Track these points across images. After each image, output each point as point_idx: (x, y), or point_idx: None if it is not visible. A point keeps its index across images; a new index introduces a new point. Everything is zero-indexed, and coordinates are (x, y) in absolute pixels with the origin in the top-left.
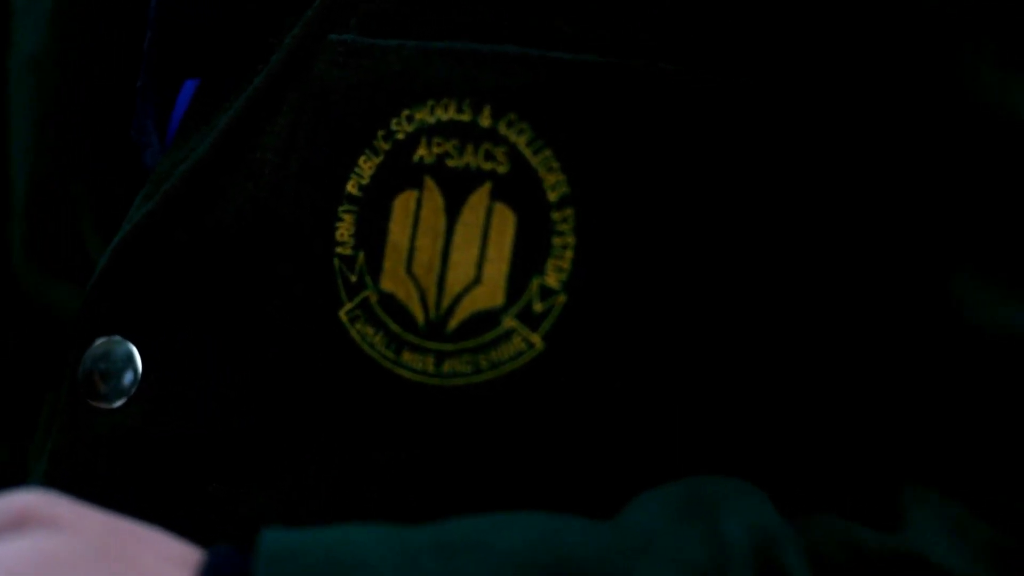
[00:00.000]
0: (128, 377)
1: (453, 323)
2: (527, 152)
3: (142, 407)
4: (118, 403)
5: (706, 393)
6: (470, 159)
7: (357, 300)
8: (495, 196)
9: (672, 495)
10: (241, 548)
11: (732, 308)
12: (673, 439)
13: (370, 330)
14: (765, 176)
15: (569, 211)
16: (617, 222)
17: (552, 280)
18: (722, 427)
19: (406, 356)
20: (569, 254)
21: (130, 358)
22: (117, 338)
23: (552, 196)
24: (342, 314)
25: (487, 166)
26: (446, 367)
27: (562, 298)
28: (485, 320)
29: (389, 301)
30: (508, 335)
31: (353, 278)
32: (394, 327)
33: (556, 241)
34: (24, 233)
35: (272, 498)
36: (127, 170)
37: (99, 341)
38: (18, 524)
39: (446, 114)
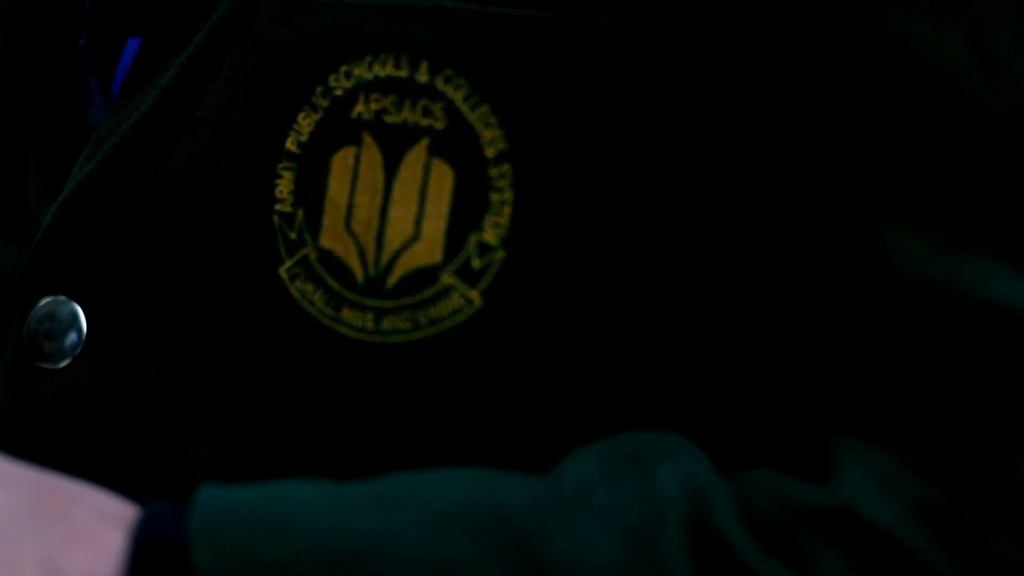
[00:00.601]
0: (72, 337)
1: (392, 280)
2: (464, 108)
3: (86, 366)
4: (63, 363)
5: (640, 348)
6: (408, 115)
7: (297, 257)
8: (433, 152)
9: (607, 451)
10: (177, 504)
11: (666, 261)
12: (608, 395)
13: (310, 287)
14: (698, 130)
15: (507, 167)
16: (554, 178)
17: (490, 236)
18: (656, 382)
19: (346, 313)
20: (507, 210)
21: (75, 318)
22: (62, 298)
23: (489, 152)
24: (282, 272)
25: (424, 122)
26: (385, 324)
27: (500, 254)
28: (423, 277)
29: (328, 258)
30: (446, 291)
31: (292, 235)
32: (334, 284)
33: (494, 197)
34: None
35: (211, 455)
36: (72, 129)
37: (44, 301)
38: None
39: (384, 70)
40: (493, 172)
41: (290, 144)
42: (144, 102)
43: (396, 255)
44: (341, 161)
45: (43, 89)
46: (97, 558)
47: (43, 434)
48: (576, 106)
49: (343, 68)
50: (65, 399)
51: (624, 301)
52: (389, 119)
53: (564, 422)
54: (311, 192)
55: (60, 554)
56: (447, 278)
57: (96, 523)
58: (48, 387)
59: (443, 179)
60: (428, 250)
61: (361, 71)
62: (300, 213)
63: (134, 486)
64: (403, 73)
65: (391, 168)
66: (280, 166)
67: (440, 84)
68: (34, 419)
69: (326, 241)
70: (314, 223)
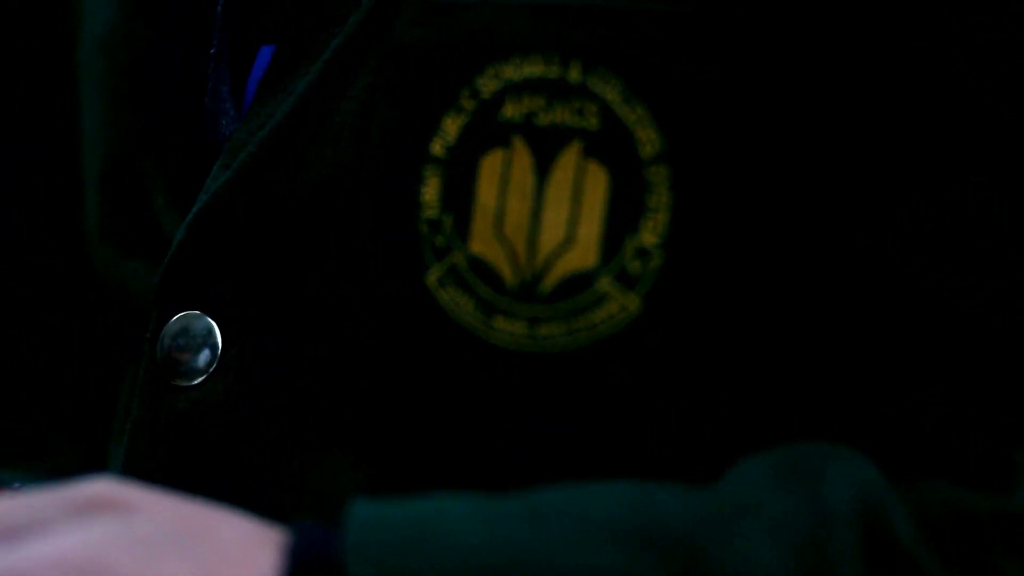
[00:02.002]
0: (207, 353)
1: (546, 286)
2: (619, 107)
3: (223, 383)
4: (198, 379)
5: (805, 355)
6: (559, 116)
7: (445, 265)
8: (586, 154)
9: (771, 461)
10: (325, 522)
11: (827, 263)
12: (771, 405)
13: (460, 295)
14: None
15: (663, 168)
16: (712, 178)
17: (647, 240)
18: (823, 391)
19: (498, 321)
20: (664, 213)
21: (210, 333)
22: (196, 313)
23: (646, 152)
24: (430, 280)
25: (577, 123)
26: (540, 331)
27: (658, 258)
28: (579, 282)
29: (479, 265)
30: (603, 298)
31: (440, 242)
32: (485, 291)
33: (650, 200)
34: (97, 212)
35: (355, 469)
36: (201, 142)
37: (177, 317)
38: (91, 510)
39: (533, 70)
40: (650, 173)
41: (436, 148)
42: (279, 110)
43: (550, 260)
44: (490, 165)
45: (172, 100)
46: (257, 571)
47: (179, 453)
48: (730, 103)
49: (490, 69)
50: (202, 416)
51: (786, 305)
52: (540, 120)
53: (722, 432)
54: (459, 197)
55: (218, 568)
56: (604, 283)
57: (245, 544)
58: (183, 404)
59: (597, 181)
60: (583, 254)
61: (509, 72)
62: (448, 219)
63: (276, 503)
64: (554, 73)
65: (543, 171)
66: (426, 171)
67: (593, 84)
68: (170, 438)
69: (476, 247)
70: (463, 229)
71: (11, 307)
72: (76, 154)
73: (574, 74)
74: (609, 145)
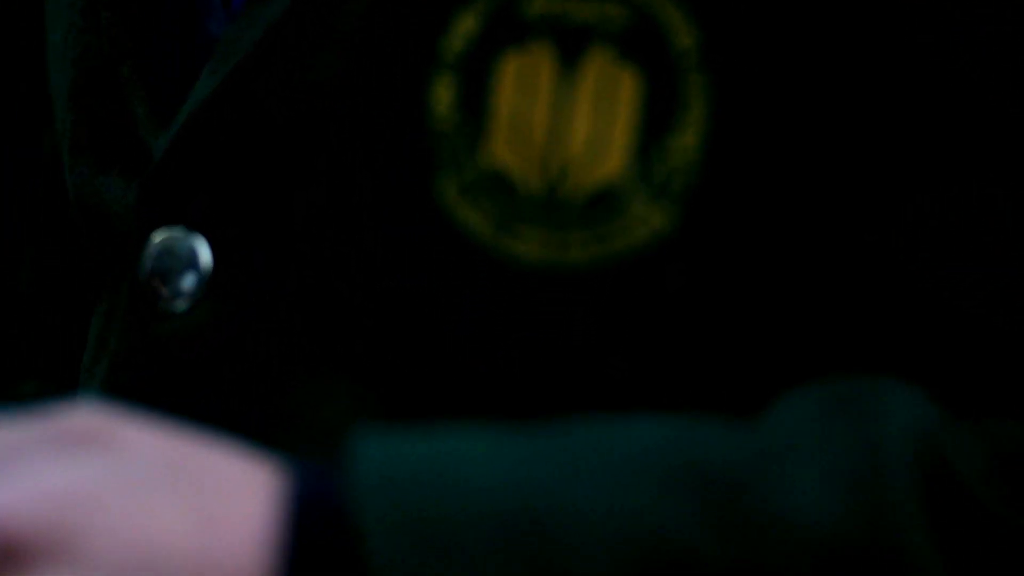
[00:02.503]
0: (192, 275)
1: (571, 198)
2: (652, 5)
3: (212, 307)
4: (183, 303)
5: (853, 279)
6: (586, 14)
7: (459, 177)
8: (615, 57)
9: (818, 395)
10: (326, 454)
11: (831, 252)
12: (816, 331)
13: (476, 209)
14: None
15: (699, 75)
16: (752, 87)
17: (681, 151)
18: (870, 320)
19: (519, 235)
20: (701, 122)
21: (194, 253)
22: (180, 232)
23: (681, 58)
24: (443, 193)
25: (605, 23)
26: (563, 247)
27: (693, 169)
28: (607, 195)
29: (496, 177)
30: (632, 212)
31: (454, 153)
32: (503, 205)
33: (684, 108)
34: (70, 127)
35: (362, 400)
36: (188, 45)
37: (160, 236)
38: (77, 443)
39: None
40: (685, 80)
41: (448, 50)
42: (274, 9)
43: (576, 172)
44: (508, 68)
45: (150, 2)
46: (256, 508)
47: (165, 384)
48: (770, 6)
49: None
50: (193, 343)
51: (831, 224)
52: (564, 20)
53: (763, 363)
54: (475, 103)
55: (213, 506)
56: (633, 196)
57: (243, 481)
58: (170, 331)
59: (627, 87)
60: (612, 166)
61: None
62: (462, 127)
63: (272, 435)
64: None
65: (568, 74)
66: (437, 76)
67: None
68: (157, 368)
69: (493, 158)
70: (478, 138)
71: None
72: (41, 65)
73: None
74: (641, 47)
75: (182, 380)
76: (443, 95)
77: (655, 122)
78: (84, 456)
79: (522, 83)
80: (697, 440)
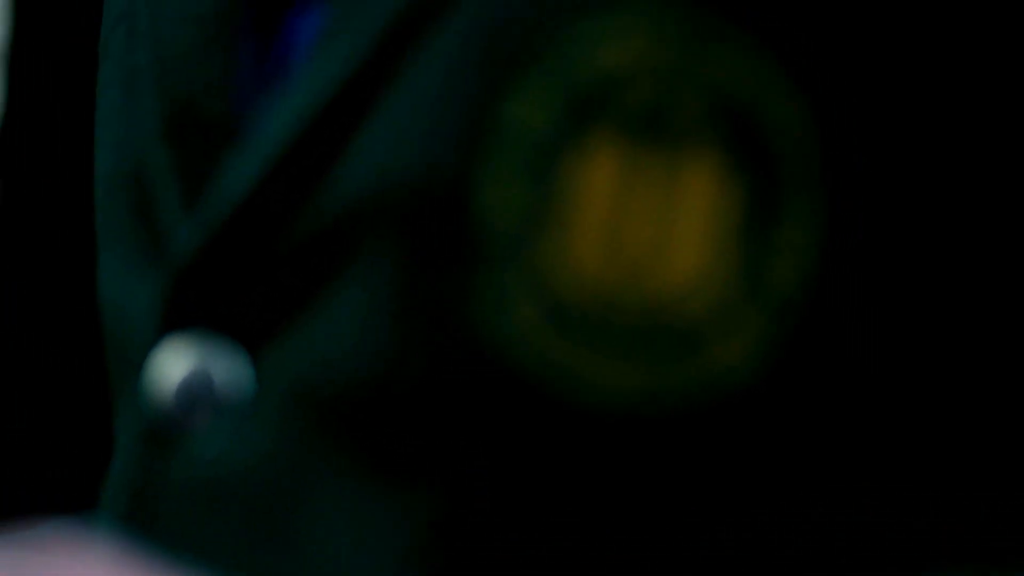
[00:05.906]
0: (219, 393)
1: (649, 332)
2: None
3: (244, 429)
4: (202, 425)
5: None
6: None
7: (518, 299)
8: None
9: None
10: None
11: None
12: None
13: (538, 337)
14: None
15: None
16: (872, 166)
17: (792, 257)
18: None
19: (583, 373)
20: (814, 216)
21: (228, 363)
22: (195, 352)
23: (782, 148)
24: (501, 315)
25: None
26: (644, 388)
27: (798, 296)
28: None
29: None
30: (724, 344)
31: (515, 270)
32: (571, 336)
33: (795, 202)
34: (101, 216)
35: (413, 517)
36: (219, 124)
37: (177, 340)
38: None
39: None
40: (791, 166)
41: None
42: (325, 84)
43: (651, 294)
44: (580, 159)
45: (191, 74)
46: None
47: (185, 524)
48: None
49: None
50: (219, 482)
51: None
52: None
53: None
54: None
55: None
56: (723, 323)
57: None
58: (189, 465)
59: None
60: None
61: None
62: (519, 232)
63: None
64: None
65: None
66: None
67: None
68: (173, 508)
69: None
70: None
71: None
72: (89, 152)
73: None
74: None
75: (208, 517)
76: (501, 191)
77: (754, 227)
78: None
79: (593, 180)
80: None
